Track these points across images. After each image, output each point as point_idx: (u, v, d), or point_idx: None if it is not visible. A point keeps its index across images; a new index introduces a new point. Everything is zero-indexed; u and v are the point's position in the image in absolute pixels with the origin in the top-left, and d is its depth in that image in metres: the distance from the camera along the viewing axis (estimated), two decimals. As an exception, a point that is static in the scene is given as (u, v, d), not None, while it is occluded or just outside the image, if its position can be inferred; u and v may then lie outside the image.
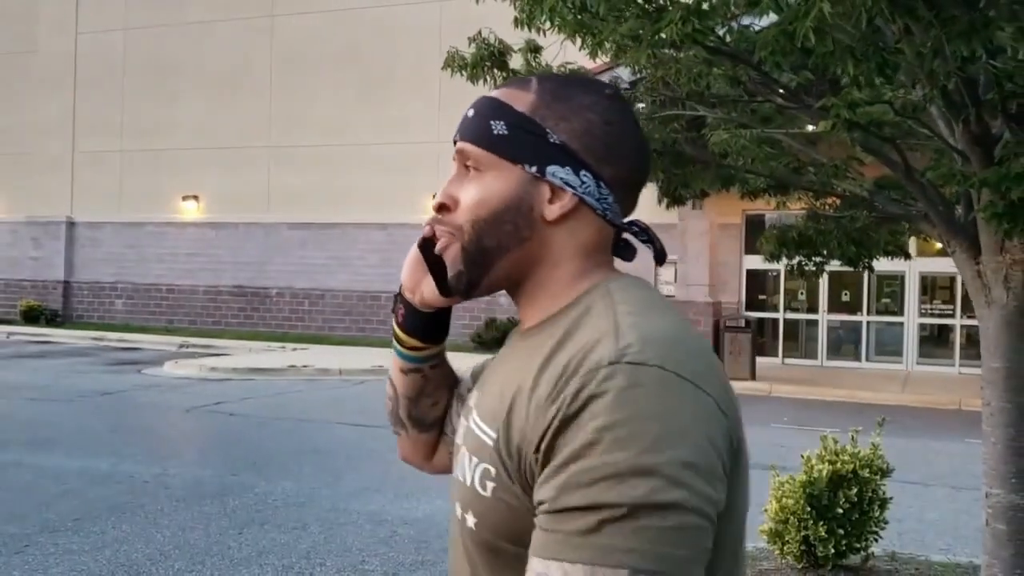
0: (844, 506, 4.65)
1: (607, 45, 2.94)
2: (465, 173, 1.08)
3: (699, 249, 16.50)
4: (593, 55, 3.08)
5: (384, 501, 6.86)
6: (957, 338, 17.55)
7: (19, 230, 25.15)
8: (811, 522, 4.64)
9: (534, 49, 4.22)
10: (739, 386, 15.22)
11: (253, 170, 22.27)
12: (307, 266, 21.78)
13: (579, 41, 3.09)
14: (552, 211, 1.04)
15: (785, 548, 4.79)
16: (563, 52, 4.00)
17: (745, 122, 3.86)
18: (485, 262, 1.06)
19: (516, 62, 4.09)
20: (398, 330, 1.28)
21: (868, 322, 18.21)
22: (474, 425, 1.05)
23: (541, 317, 1.06)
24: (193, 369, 15.69)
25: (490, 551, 1.00)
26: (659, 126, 3.98)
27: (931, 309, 18.06)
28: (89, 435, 9.56)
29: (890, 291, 18.48)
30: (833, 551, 4.67)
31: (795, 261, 4.96)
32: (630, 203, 1.09)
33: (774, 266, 18.44)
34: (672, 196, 4.72)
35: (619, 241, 1.11)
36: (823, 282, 18.11)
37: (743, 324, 16.26)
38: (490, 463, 0.98)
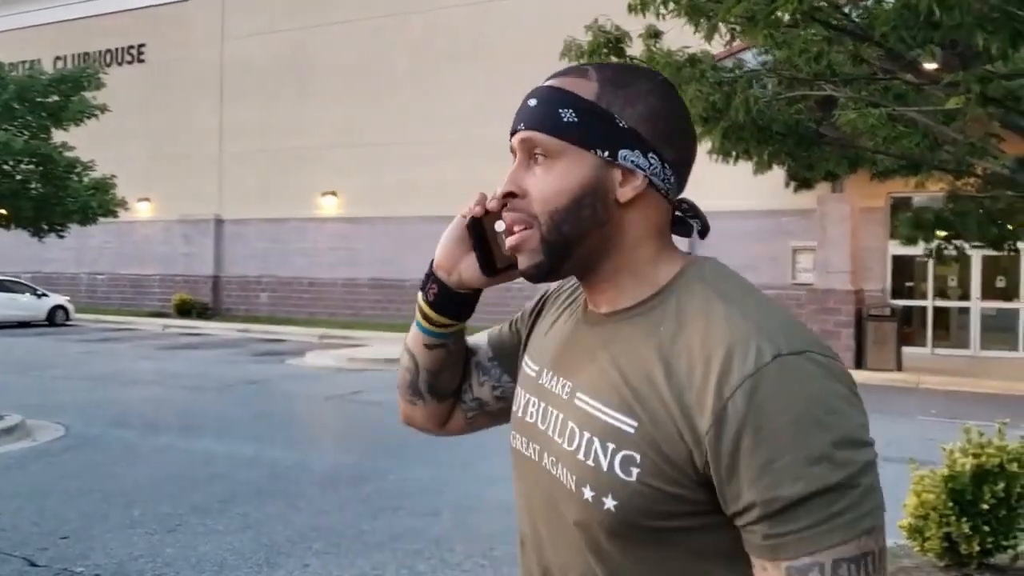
0: (990, 502, 4.39)
1: (722, 27, 2.88)
2: (530, 162, 1.10)
3: (840, 234, 15.88)
4: (708, 37, 3.01)
5: (514, 489, 6.92)
6: None
7: (172, 228, 26.62)
8: (953, 518, 4.41)
9: (654, 35, 4.15)
10: (884, 377, 14.61)
11: (388, 166, 22.83)
12: (441, 258, 22.10)
13: (694, 25, 3.03)
14: (625, 193, 1.07)
15: (926, 544, 4.58)
16: (681, 37, 3.93)
17: (876, 101, 3.70)
18: (566, 249, 1.08)
19: (636, 48, 4.04)
20: (428, 308, 1.29)
21: (1026, 309, 17.18)
22: (590, 407, 1.06)
23: (631, 300, 1.09)
24: (333, 360, 16.23)
25: (631, 529, 1.03)
26: (785, 107, 3.85)
27: (1096, 295, 16.89)
28: (236, 422, 10.04)
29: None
30: (978, 549, 4.43)
31: (933, 245, 4.71)
32: (685, 183, 1.13)
33: (921, 251, 17.61)
34: (800, 179, 4.54)
35: (673, 219, 1.14)
36: (975, 267, 17.19)
37: (888, 312, 15.59)
38: (633, 450, 1.01)
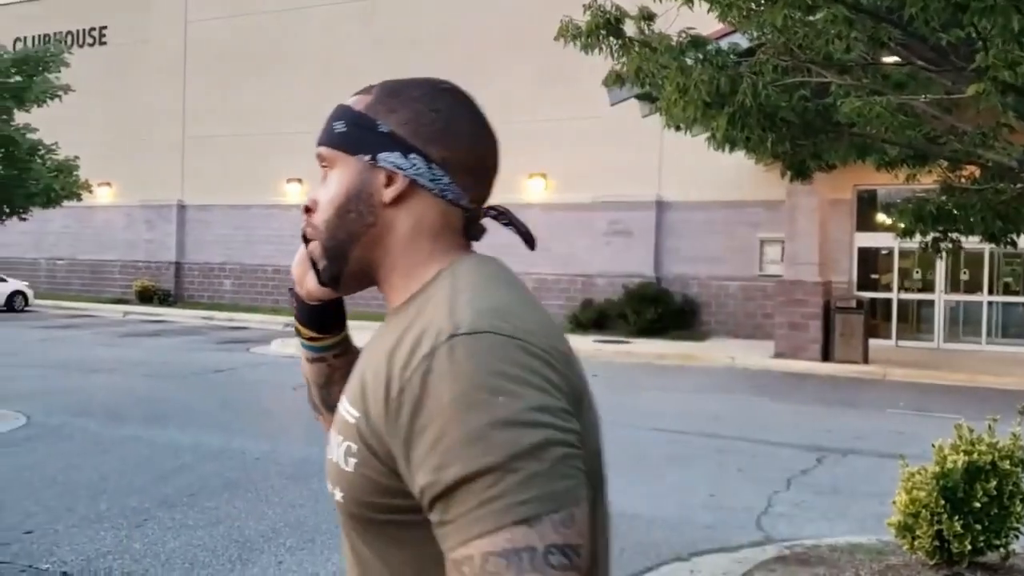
0: (982, 500, 4.34)
1: (736, 8, 2.75)
2: (324, 175, 1.17)
3: (808, 227, 15.90)
4: (723, 18, 2.90)
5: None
6: (1089, 320, 16.59)
7: (133, 213, 26.10)
8: (945, 516, 4.35)
9: (647, 17, 4.02)
10: (851, 369, 14.68)
11: (355, 152, 22.48)
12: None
13: (706, 5, 2.91)
14: (388, 193, 1.10)
15: (916, 543, 4.51)
16: (679, 19, 3.80)
17: (878, 88, 3.60)
18: (342, 253, 1.14)
19: (630, 29, 3.90)
20: (295, 322, 1.34)
21: (990, 302, 17.36)
22: (341, 406, 1.09)
23: (401, 299, 1.12)
24: (299, 348, 15.96)
25: (358, 522, 1.05)
26: (782, 94, 3.73)
27: (1060, 289, 17.11)
28: (201, 411, 9.81)
29: (1011, 270, 17.59)
30: (970, 547, 4.37)
31: (929, 238, 4.63)
32: (480, 186, 1.13)
33: (888, 244, 17.67)
34: (797, 169, 4.41)
35: (473, 223, 1.15)
36: (939, 260, 17.34)
37: (855, 305, 15.65)
38: (352, 440, 1.02)
